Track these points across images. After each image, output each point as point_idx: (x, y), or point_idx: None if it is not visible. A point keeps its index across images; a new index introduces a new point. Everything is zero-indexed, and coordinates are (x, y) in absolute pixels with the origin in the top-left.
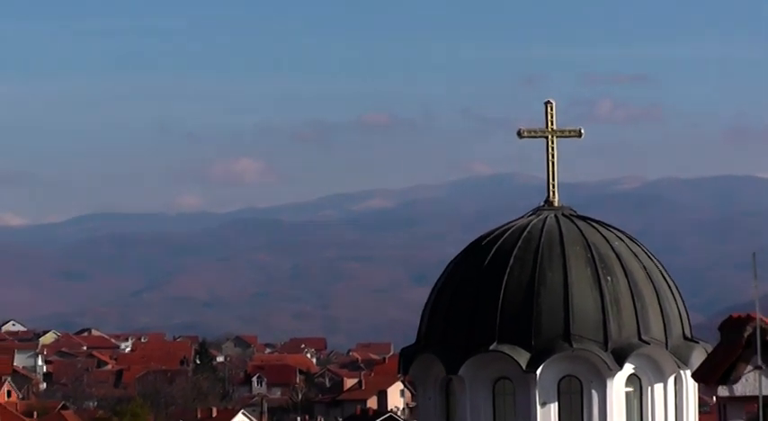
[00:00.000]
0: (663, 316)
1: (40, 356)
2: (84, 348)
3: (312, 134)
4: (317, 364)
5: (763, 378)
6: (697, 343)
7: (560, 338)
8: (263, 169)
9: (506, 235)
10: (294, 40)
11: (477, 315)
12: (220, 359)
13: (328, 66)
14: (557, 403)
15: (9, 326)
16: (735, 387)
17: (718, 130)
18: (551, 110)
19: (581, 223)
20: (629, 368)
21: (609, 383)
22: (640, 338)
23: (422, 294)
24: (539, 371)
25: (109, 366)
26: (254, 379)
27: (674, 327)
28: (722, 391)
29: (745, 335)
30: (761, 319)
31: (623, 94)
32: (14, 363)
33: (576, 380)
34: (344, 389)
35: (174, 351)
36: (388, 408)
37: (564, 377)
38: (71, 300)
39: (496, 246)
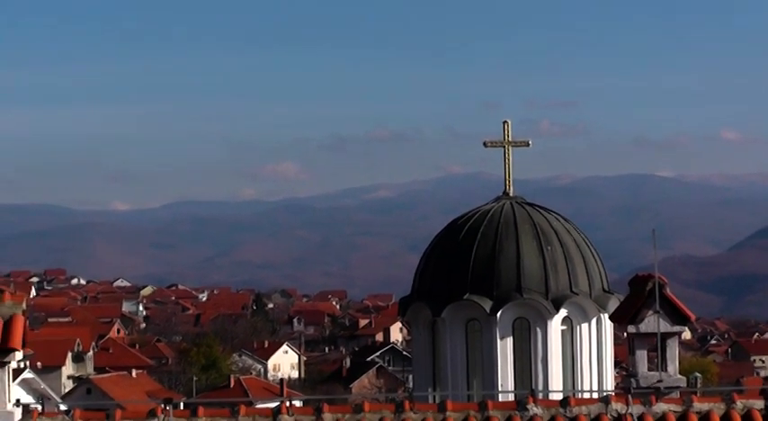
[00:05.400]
0: (588, 274)
1: (140, 304)
2: (173, 298)
3: (334, 144)
4: (339, 309)
5: (660, 319)
6: (612, 294)
7: (514, 290)
8: (300, 169)
9: (475, 216)
10: (317, 75)
11: (455, 274)
12: (270, 306)
13: (344, 94)
14: (512, 338)
15: (118, 283)
16: (640, 326)
17: (627, 140)
18: (507, 126)
19: (529, 208)
20: (563, 312)
21: (549, 324)
22: (572, 290)
23: (415, 260)
24: (499, 315)
25: (190, 311)
26: (295, 320)
27: (595, 283)
28: (631, 329)
29: (647, 288)
30: (658, 277)
31: (558, 115)
32: (122, 309)
33: (526, 321)
34: (359, 327)
35: (237, 300)
36: (391, 341)
37: (517, 319)
38: (163, 263)
39: (468, 224)
